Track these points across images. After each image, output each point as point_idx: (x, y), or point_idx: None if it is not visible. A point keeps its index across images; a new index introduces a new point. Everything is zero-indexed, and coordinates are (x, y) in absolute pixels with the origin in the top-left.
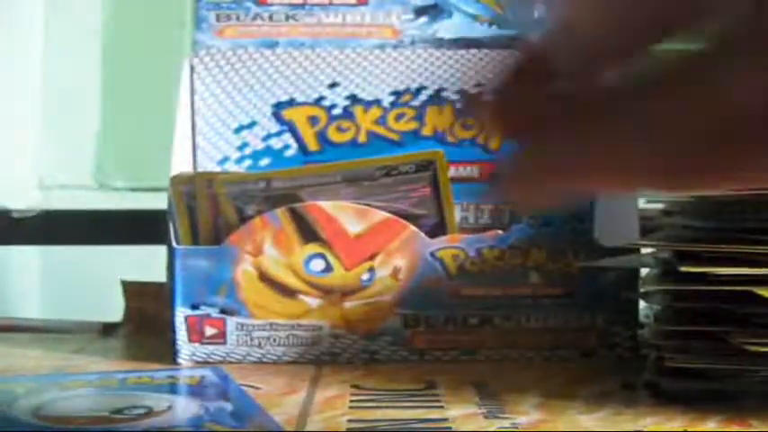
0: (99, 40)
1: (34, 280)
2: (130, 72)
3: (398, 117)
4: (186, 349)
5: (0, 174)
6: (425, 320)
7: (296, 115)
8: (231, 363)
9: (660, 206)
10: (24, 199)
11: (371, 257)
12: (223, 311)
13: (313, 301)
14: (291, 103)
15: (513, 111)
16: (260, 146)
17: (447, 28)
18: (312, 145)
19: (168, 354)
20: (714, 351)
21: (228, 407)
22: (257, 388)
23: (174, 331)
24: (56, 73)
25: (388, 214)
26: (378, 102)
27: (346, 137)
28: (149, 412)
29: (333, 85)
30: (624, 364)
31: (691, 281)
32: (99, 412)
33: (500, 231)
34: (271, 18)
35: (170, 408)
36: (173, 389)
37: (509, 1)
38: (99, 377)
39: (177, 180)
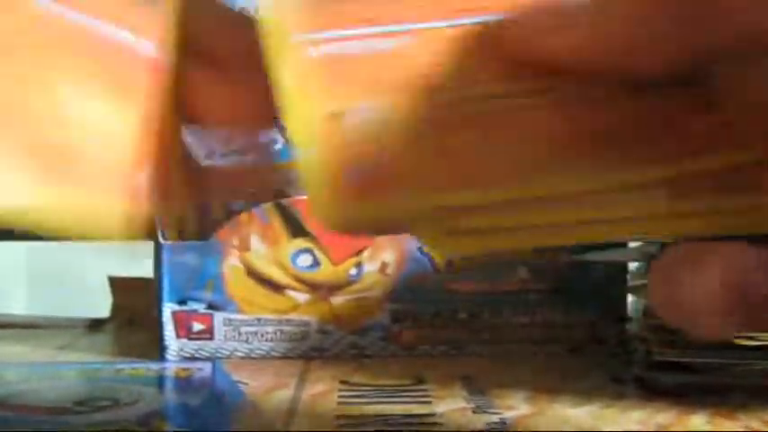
0: None
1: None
2: None
3: None
4: (174, 345)
5: None
6: (414, 315)
7: None
8: (219, 358)
9: None
10: None
11: (359, 252)
12: (210, 307)
13: (301, 297)
14: None
15: None
16: (247, 140)
17: None
18: None
19: (156, 350)
20: (702, 344)
21: (195, 402)
22: (244, 384)
23: (161, 327)
24: None
25: None
26: None
27: None
28: (112, 405)
29: None
30: (612, 358)
31: None
32: (63, 403)
33: None
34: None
35: (136, 401)
36: (159, 382)
37: None
38: (93, 367)
39: None
